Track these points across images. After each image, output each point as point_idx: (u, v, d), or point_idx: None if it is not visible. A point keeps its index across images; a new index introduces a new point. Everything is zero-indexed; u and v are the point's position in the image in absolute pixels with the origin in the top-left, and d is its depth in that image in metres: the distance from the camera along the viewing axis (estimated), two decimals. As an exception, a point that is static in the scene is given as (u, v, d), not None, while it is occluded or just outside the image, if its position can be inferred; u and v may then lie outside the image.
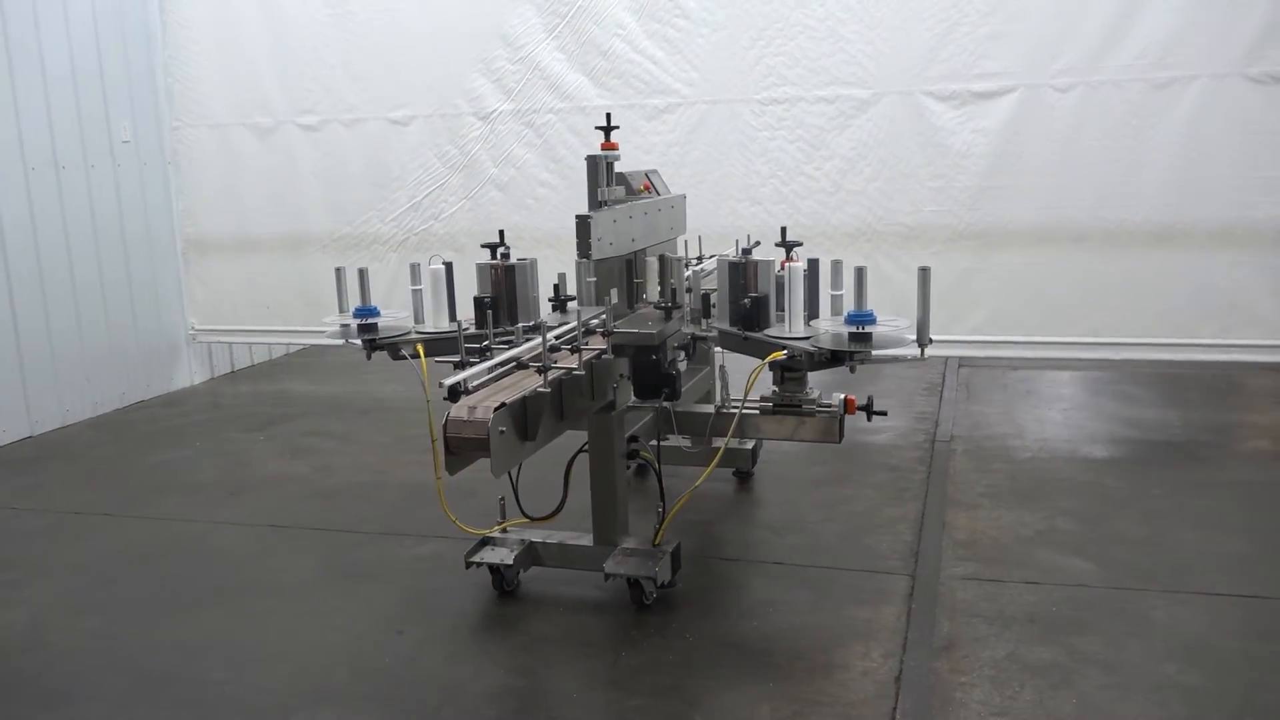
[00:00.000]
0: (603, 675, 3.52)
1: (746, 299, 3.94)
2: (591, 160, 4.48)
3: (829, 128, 6.45)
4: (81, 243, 7.05)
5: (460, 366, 3.30)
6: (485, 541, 4.17)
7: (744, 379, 4.04)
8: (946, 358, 7.50)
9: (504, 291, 4.27)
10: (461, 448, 3.01)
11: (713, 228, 5.96)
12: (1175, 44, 5.83)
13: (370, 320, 4.19)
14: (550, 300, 4.21)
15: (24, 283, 6.63)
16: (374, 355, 4.19)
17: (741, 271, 4.02)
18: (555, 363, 3.26)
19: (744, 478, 5.34)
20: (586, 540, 4.13)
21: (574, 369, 3.33)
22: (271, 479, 5.74)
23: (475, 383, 3.11)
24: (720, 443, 5.00)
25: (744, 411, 4.14)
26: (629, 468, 4.43)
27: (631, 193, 4.59)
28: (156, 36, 7.55)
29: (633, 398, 4.00)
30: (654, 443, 4.13)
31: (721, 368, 4.20)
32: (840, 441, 4.15)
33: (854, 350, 3.64)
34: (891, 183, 6.40)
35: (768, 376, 3.99)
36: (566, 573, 4.24)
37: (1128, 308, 6.16)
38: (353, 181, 7.39)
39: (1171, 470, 5.34)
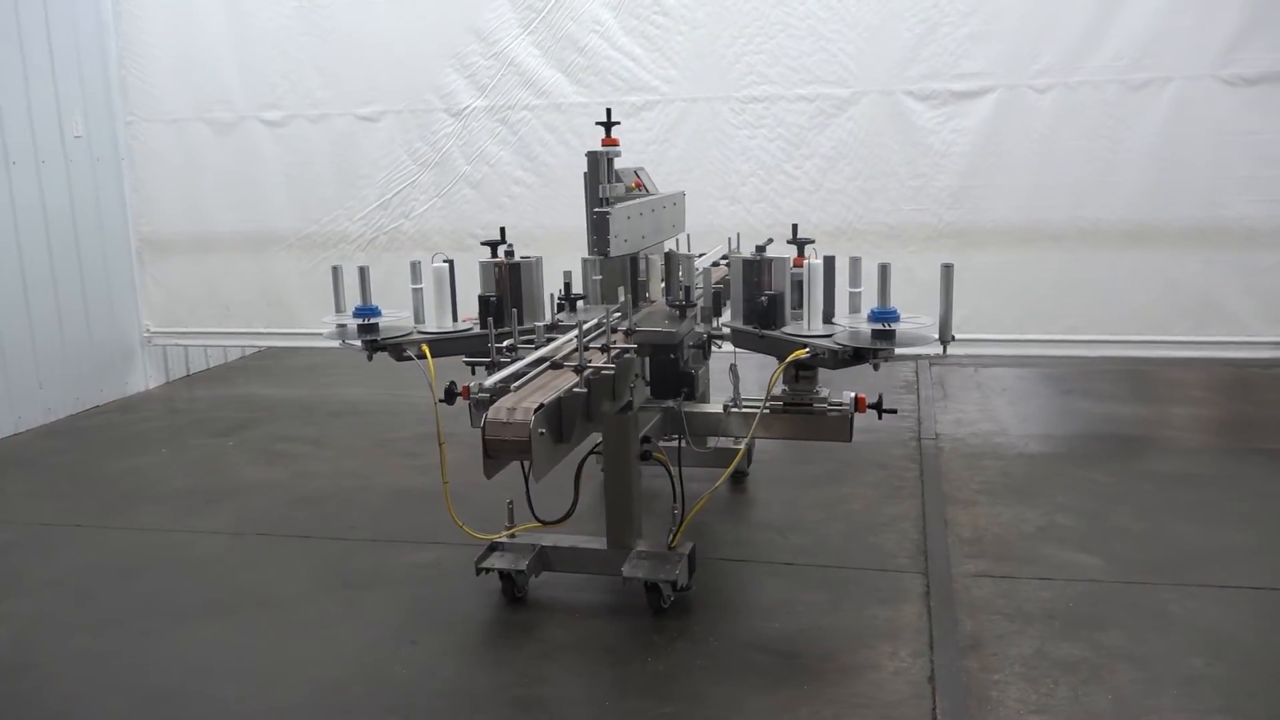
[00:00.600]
0: (632, 682, 3.44)
1: (763, 297, 3.90)
2: (593, 156, 4.38)
3: (809, 126, 6.45)
4: (33, 242, 6.75)
5: (490, 367, 3.19)
6: (494, 547, 4.06)
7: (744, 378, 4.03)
8: (917, 356, 7.55)
9: (509, 290, 4.18)
10: (500, 450, 2.90)
11: (691, 226, 5.89)
12: (1151, 47, 5.94)
13: (372, 320, 4.07)
14: (560, 299, 4.11)
15: (-26, 284, 6.34)
16: (374, 357, 4.07)
17: (757, 269, 3.98)
18: (590, 362, 3.17)
19: (739, 478, 5.30)
20: (600, 544, 4.04)
21: (610, 368, 3.24)
22: (249, 486, 5.53)
23: (516, 384, 3.00)
24: (719, 442, 5.01)
25: (753, 411, 4.09)
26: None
27: (626, 189, 4.51)
28: (109, 27, 7.25)
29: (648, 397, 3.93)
30: (675, 443, 4.06)
31: (733, 366, 4.15)
32: (850, 440, 4.14)
33: (878, 348, 3.62)
34: (872, 181, 6.43)
35: (761, 376, 3.97)
36: (573, 578, 4.15)
37: (1103, 306, 6.26)
38: (319, 179, 7.19)
39: (1156, 464, 5.42)
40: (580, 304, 4.16)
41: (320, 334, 7.35)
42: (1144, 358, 6.56)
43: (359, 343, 4.04)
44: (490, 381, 2.99)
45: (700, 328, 4.18)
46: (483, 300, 4.18)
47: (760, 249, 4.01)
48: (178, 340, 7.81)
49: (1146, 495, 4.95)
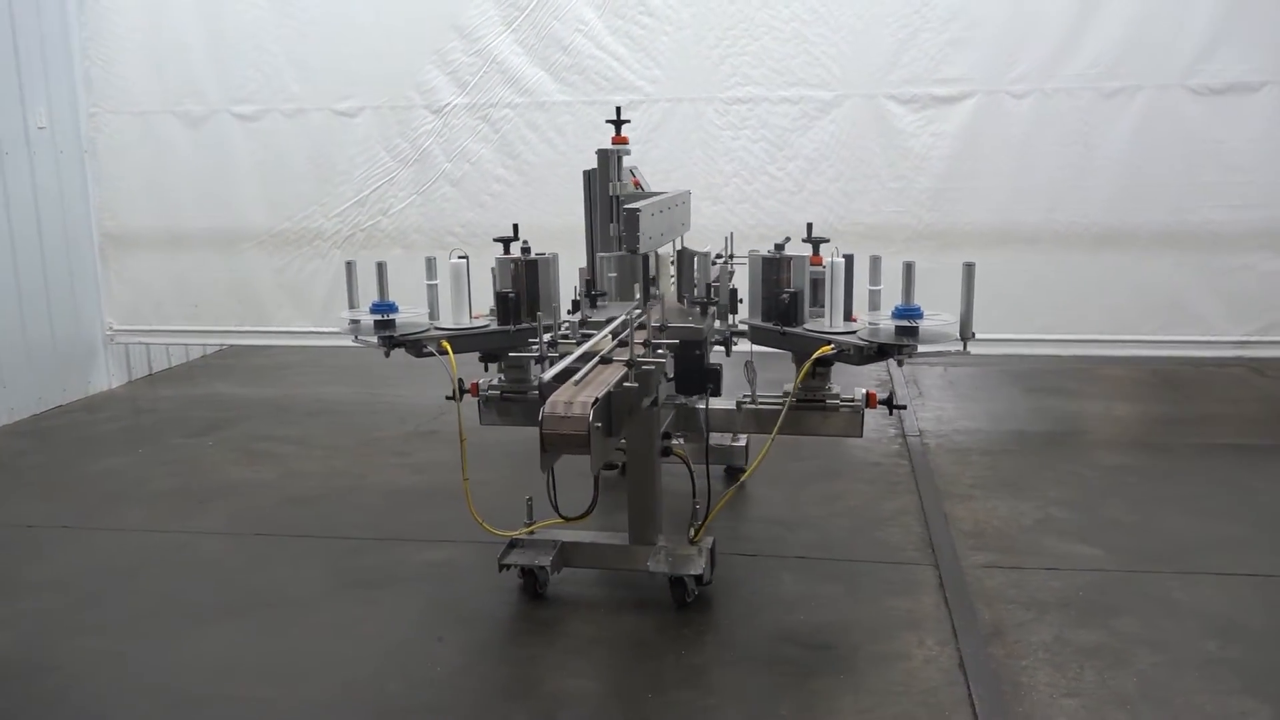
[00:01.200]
0: (668, 676, 3.45)
1: (785, 294, 3.96)
2: (603, 154, 4.43)
3: (793, 128, 6.53)
4: (-3, 236, 6.54)
5: (541, 361, 3.19)
6: (514, 544, 4.05)
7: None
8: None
9: (525, 287, 4.18)
10: (557, 444, 2.91)
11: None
12: (1123, 56, 6.14)
13: (389, 316, 4.03)
14: (582, 295, 4.12)
15: (-63, 279, 6.11)
16: (379, 354, 4.05)
17: (776, 267, 4.04)
18: (640, 356, 3.18)
19: (735, 474, 5.34)
20: (621, 540, 4.05)
21: (660, 362, 3.27)
22: (236, 486, 5.42)
23: (576, 377, 3.01)
24: (724, 440, 5.04)
25: (768, 407, 4.14)
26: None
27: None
28: (73, 15, 7.05)
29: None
30: (705, 439, 4.10)
31: (749, 363, 4.19)
32: (861, 436, 4.22)
33: (902, 344, 3.71)
34: (853, 183, 6.53)
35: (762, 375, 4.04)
36: (587, 574, 4.17)
37: (1076, 306, 6.45)
38: (294, 174, 7.07)
39: (1139, 459, 5.60)
40: (600, 301, 4.17)
41: (293, 331, 7.30)
42: (1115, 356, 6.76)
43: (375, 339, 4.01)
44: (548, 376, 2.99)
45: (719, 324, 4.22)
46: (499, 296, 4.18)
47: (779, 247, 4.07)
48: (142, 338, 7.61)
49: (1133, 488, 5.11)
